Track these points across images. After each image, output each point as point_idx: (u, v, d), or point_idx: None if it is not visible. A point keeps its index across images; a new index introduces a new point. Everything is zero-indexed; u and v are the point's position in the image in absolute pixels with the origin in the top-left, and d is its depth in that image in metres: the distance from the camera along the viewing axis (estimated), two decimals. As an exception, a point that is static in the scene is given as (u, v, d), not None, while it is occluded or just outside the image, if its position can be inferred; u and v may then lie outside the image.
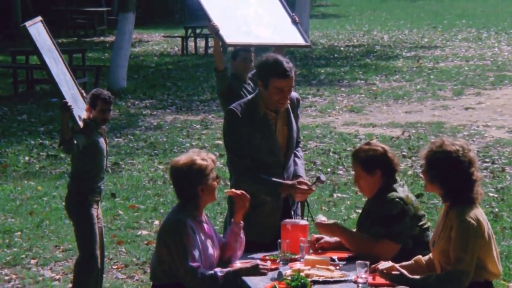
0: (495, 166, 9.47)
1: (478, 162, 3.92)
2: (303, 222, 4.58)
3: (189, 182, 4.10)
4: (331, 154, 10.21)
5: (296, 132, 4.84)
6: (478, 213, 3.86)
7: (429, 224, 4.34)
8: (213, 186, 4.15)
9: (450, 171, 3.81)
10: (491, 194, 8.23)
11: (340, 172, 9.42)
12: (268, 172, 4.65)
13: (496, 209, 7.79)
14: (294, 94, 4.84)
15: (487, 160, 9.63)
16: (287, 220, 4.61)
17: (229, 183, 7.11)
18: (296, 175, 4.80)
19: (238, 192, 4.31)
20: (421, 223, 4.28)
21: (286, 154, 4.74)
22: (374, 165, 4.31)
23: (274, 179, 4.62)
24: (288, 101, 4.73)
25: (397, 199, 4.25)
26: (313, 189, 4.71)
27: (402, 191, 4.32)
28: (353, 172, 4.44)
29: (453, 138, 3.97)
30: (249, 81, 6.70)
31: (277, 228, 4.50)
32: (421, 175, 4.02)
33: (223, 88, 6.60)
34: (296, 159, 4.88)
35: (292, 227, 4.46)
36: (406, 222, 4.23)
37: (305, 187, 4.66)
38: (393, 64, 17.53)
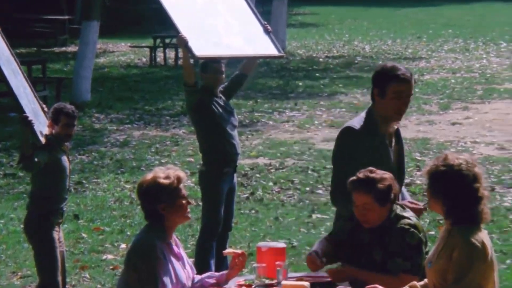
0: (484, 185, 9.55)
1: (484, 179, 3.94)
2: (280, 244, 4.60)
3: (150, 200, 4.13)
4: (309, 172, 10.25)
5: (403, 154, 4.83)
6: (483, 235, 3.89)
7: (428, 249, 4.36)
8: (180, 205, 4.16)
9: (452, 185, 3.83)
10: (479, 215, 8.30)
11: (320, 191, 9.46)
12: None
13: (486, 231, 7.85)
14: None
15: (475, 178, 9.71)
16: (262, 243, 4.63)
17: (200, 203, 7.12)
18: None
19: (239, 251, 4.32)
20: (427, 249, 4.31)
21: (399, 172, 4.68)
22: (388, 197, 4.28)
23: None
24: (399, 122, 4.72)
25: (412, 229, 4.25)
26: (426, 208, 4.59)
27: (410, 216, 4.32)
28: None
29: (457, 153, 4.01)
30: (221, 95, 6.72)
31: None
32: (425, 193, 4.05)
33: (193, 102, 6.61)
34: (403, 183, 4.83)
35: (268, 250, 4.47)
36: (423, 251, 4.26)
37: (415, 206, 4.54)
38: (375, 76, 17.62)
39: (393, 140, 4.71)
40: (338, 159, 4.62)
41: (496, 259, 7.31)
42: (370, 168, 4.34)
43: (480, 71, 17.88)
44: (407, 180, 4.21)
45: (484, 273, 3.84)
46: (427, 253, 4.27)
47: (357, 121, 4.65)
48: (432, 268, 3.92)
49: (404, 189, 4.84)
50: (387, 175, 4.32)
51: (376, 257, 4.29)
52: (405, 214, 4.33)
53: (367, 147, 4.54)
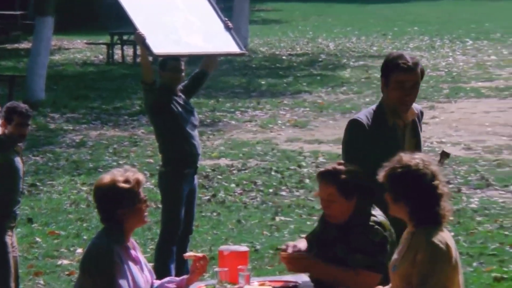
0: (450, 186, 9.64)
1: (442, 175, 3.98)
2: (243, 248, 4.61)
3: (108, 205, 4.11)
4: (273, 173, 10.28)
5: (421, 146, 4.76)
6: (447, 236, 3.94)
7: None
8: (139, 209, 4.15)
9: (413, 186, 3.88)
10: (446, 216, 8.38)
11: (283, 193, 9.49)
12: None
13: (452, 233, 7.92)
14: (418, 106, 4.78)
15: (441, 179, 9.79)
16: (224, 246, 4.64)
17: (160, 205, 7.11)
18: None
19: (200, 255, 4.32)
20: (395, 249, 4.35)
21: None
22: (354, 189, 4.34)
23: None
24: (416, 111, 4.68)
25: (377, 226, 4.31)
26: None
27: (378, 214, 4.37)
28: (312, 194, 4.47)
29: (410, 153, 4.07)
30: (181, 93, 6.71)
31: None
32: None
33: (151, 101, 6.59)
34: None
35: (231, 254, 4.48)
36: (388, 249, 4.31)
37: None
38: (340, 74, 17.75)
39: (409, 132, 4.64)
40: (345, 152, 4.62)
41: (463, 262, 7.41)
42: (340, 161, 4.42)
43: (446, 70, 18.06)
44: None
45: (449, 275, 3.89)
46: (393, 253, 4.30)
47: (364, 113, 4.65)
48: (396, 272, 3.95)
49: None
50: (354, 168, 4.39)
51: (339, 253, 4.35)
52: (373, 212, 4.39)
53: (374, 139, 4.53)
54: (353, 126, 4.59)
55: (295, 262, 4.38)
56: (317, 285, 4.37)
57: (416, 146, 4.67)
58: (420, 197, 3.90)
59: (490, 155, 11.09)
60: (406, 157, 3.95)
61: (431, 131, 12.55)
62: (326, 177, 4.37)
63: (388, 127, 4.59)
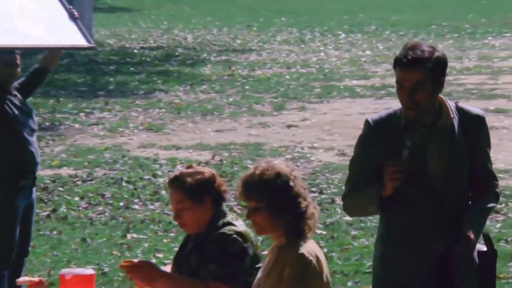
0: (323, 196, 9.82)
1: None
2: (88, 271, 4.60)
3: None
4: (124, 184, 10.22)
5: (480, 162, 4.34)
6: (316, 248, 4.02)
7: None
8: None
9: (291, 196, 3.97)
10: (318, 231, 8.51)
11: (136, 206, 9.45)
12: (412, 210, 4.32)
13: (325, 249, 8.07)
14: (475, 110, 4.41)
15: (314, 189, 9.97)
16: (66, 270, 4.60)
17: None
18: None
19: (36, 279, 4.25)
20: (258, 265, 4.39)
21: (442, 185, 4.27)
22: (202, 192, 4.44)
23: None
24: (452, 115, 4.31)
25: (235, 235, 4.38)
26: (402, 163, 4.23)
27: (239, 225, 4.46)
28: (167, 205, 4.53)
29: (265, 161, 4.13)
30: (16, 92, 6.59)
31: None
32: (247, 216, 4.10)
33: (-20, 102, 6.48)
34: (474, 204, 4.33)
35: (73, 278, 4.44)
36: (246, 262, 4.38)
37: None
38: (199, 71, 17.81)
39: (439, 140, 4.31)
40: (353, 155, 4.49)
41: (337, 281, 7.55)
42: (189, 164, 4.57)
43: (317, 66, 18.41)
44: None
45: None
46: (255, 269, 4.36)
47: (382, 112, 4.46)
48: (261, 292, 4.00)
49: (471, 212, 4.32)
50: (206, 170, 4.54)
51: (193, 264, 4.43)
52: (235, 222, 4.48)
53: (380, 140, 4.34)
54: (364, 125, 4.42)
55: (137, 271, 4.40)
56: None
57: (451, 159, 4.31)
58: (299, 207, 3.97)
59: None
60: (269, 166, 4.01)
61: (302, 135, 12.76)
62: (174, 183, 4.48)
63: (400, 129, 4.33)
